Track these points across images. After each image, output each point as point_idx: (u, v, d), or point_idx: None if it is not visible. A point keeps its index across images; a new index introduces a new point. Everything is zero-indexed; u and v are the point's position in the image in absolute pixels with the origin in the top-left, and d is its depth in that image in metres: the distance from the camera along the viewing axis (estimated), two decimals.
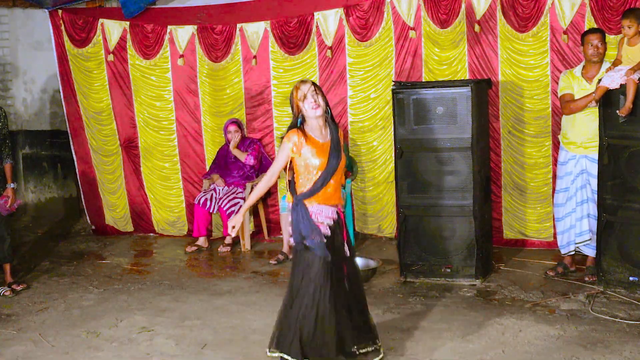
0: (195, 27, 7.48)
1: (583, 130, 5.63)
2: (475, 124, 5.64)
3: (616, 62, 5.37)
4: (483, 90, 5.99)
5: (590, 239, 5.73)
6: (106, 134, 7.92)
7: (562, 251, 5.91)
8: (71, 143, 8.05)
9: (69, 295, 6.00)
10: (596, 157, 5.53)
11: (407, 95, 5.76)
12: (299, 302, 4.13)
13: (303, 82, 4.20)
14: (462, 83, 5.82)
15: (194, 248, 7.26)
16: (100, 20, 7.67)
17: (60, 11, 7.74)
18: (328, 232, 4.16)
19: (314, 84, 4.17)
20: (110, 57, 7.71)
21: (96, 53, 7.76)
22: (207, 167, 7.60)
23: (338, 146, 4.19)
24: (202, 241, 7.31)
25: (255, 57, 7.34)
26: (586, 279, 5.72)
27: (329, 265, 4.13)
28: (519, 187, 6.63)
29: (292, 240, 4.21)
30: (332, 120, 4.22)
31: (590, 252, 5.80)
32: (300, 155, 4.14)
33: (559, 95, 5.78)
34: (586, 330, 4.74)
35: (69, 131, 8.03)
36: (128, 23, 7.59)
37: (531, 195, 6.61)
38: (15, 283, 6.17)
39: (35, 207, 9.08)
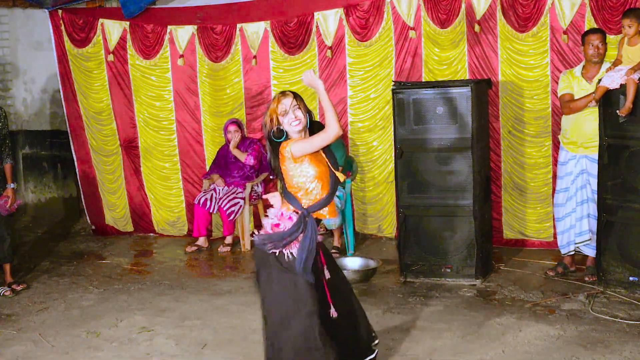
0: (195, 27, 7.48)
1: (583, 130, 5.63)
2: (475, 124, 5.64)
3: (616, 62, 5.37)
4: (483, 90, 5.99)
5: (590, 239, 5.73)
6: (106, 134, 7.92)
7: (562, 251, 5.91)
8: (71, 143, 8.05)
9: (69, 295, 6.00)
10: (596, 157, 5.53)
11: (407, 95, 5.76)
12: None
13: (284, 94, 3.83)
14: (462, 83, 5.82)
15: (194, 248, 7.26)
16: (100, 20, 7.67)
17: (60, 11, 7.73)
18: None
19: (295, 96, 3.84)
20: (110, 57, 7.71)
21: (96, 53, 7.76)
22: (207, 167, 7.60)
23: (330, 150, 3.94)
24: (202, 241, 7.31)
25: (255, 57, 7.34)
26: (586, 279, 5.72)
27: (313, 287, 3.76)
28: (519, 187, 6.63)
29: (297, 266, 3.72)
30: (313, 123, 3.91)
31: (590, 252, 5.79)
32: (302, 163, 3.80)
33: (558, 95, 5.78)
34: (586, 330, 4.74)
35: (69, 131, 8.03)
36: (128, 23, 7.59)
37: (531, 195, 6.61)
38: (15, 283, 6.17)
39: (35, 207, 9.08)
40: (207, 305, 5.58)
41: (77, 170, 8.12)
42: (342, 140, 6.88)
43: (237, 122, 7.28)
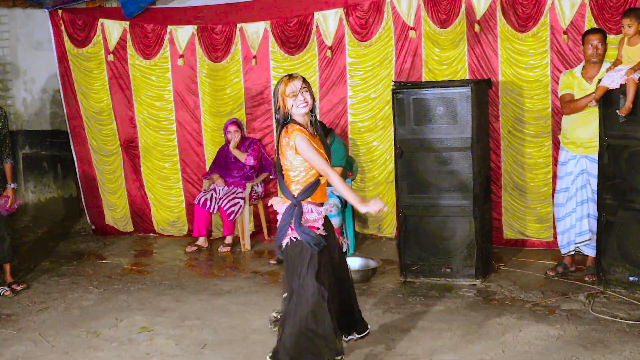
0: (195, 27, 7.48)
1: (583, 130, 5.63)
2: (475, 124, 5.64)
3: (616, 62, 5.37)
4: (483, 90, 5.99)
5: (590, 239, 5.73)
6: (106, 134, 7.93)
7: (562, 251, 5.91)
8: (71, 143, 8.05)
9: (69, 295, 6.00)
10: (596, 157, 5.53)
11: (407, 95, 5.76)
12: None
13: (292, 77, 3.97)
14: (462, 83, 5.82)
15: (194, 248, 7.26)
16: (100, 20, 7.68)
17: (60, 11, 7.74)
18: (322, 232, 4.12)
19: (303, 79, 3.99)
20: (110, 57, 7.71)
21: (96, 53, 7.76)
22: (207, 167, 7.60)
23: (325, 141, 4.19)
24: (202, 241, 7.31)
25: (255, 57, 7.34)
26: (586, 279, 5.72)
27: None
28: (519, 187, 6.63)
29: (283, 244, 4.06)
30: (315, 118, 4.11)
31: (590, 252, 5.80)
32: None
33: (559, 95, 5.78)
34: (586, 330, 4.74)
35: (69, 131, 8.04)
36: (128, 23, 7.59)
37: (531, 195, 6.61)
38: (15, 283, 6.17)
39: (35, 207, 9.08)
40: (207, 305, 5.58)
41: (77, 170, 8.13)
42: (343, 140, 6.88)
43: (237, 122, 7.28)
